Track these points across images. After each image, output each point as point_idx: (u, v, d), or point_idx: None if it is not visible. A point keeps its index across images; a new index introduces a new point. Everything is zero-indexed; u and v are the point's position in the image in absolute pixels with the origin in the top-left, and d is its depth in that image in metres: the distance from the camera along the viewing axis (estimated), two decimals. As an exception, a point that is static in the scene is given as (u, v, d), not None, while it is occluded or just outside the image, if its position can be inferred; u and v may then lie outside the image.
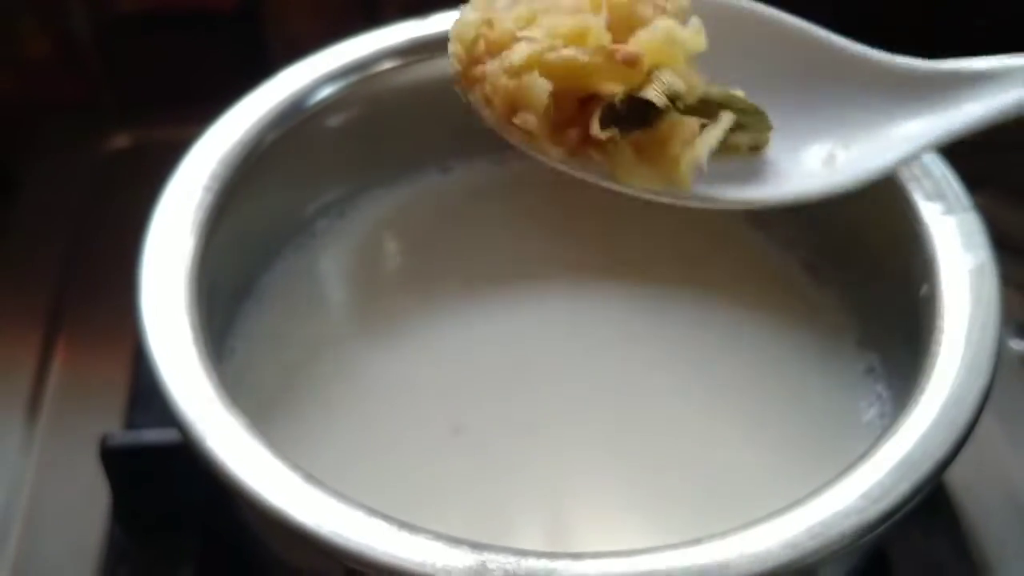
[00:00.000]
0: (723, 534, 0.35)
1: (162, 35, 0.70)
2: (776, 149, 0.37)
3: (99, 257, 0.62)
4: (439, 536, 0.35)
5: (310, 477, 0.36)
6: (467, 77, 0.35)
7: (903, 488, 0.36)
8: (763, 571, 0.34)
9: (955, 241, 0.43)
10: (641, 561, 0.34)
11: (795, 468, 0.45)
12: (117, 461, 0.48)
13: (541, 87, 0.33)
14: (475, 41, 0.34)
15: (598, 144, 0.35)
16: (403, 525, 0.35)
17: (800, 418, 0.47)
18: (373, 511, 0.35)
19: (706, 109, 0.35)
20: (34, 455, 0.53)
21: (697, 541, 0.34)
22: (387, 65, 0.50)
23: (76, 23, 0.69)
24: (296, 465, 0.36)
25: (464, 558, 0.34)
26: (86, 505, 0.51)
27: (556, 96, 0.33)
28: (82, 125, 0.69)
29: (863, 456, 0.37)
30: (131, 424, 0.54)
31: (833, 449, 0.45)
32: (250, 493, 0.36)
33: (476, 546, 0.34)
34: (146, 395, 0.55)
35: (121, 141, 0.69)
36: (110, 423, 0.53)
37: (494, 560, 0.34)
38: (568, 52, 0.33)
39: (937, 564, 0.50)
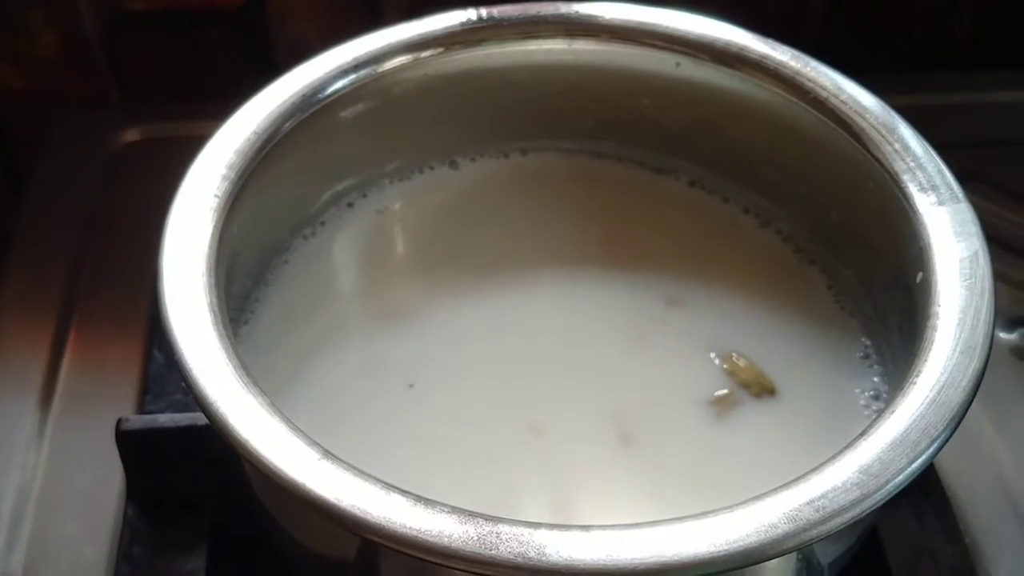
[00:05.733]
0: (730, 507, 0.35)
1: (169, 32, 0.71)
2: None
3: (109, 248, 0.63)
4: (454, 509, 0.35)
5: (328, 453, 0.37)
6: None
7: (901, 464, 0.37)
8: (768, 542, 0.35)
9: (949, 230, 0.44)
10: (650, 533, 0.35)
11: (793, 450, 0.46)
12: (132, 444, 0.49)
13: None
14: None
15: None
16: (419, 499, 0.36)
17: (797, 403, 0.48)
18: (390, 486, 0.36)
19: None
20: (48, 441, 0.54)
21: (704, 514, 0.35)
22: (399, 61, 0.51)
23: (85, 20, 0.70)
24: (314, 442, 0.37)
25: (478, 530, 0.35)
26: (100, 489, 0.52)
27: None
28: (90, 121, 0.70)
29: (863, 434, 0.38)
30: (144, 410, 0.55)
31: (829, 432, 0.46)
32: (271, 469, 0.36)
33: (489, 519, 0.35)
34: (158, 383, 0.56)
35: (129, 136, 0.69)
36: (122, 410, 0.54)
37: (507, 532, 0.35)
38: None
39: (929, 549, 0.50)
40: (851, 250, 0.50)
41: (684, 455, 0.46)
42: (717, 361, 0.49)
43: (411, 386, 0.48)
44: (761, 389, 0.48)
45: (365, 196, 0.54)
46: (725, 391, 0.48)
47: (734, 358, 0.49)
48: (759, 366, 0.49)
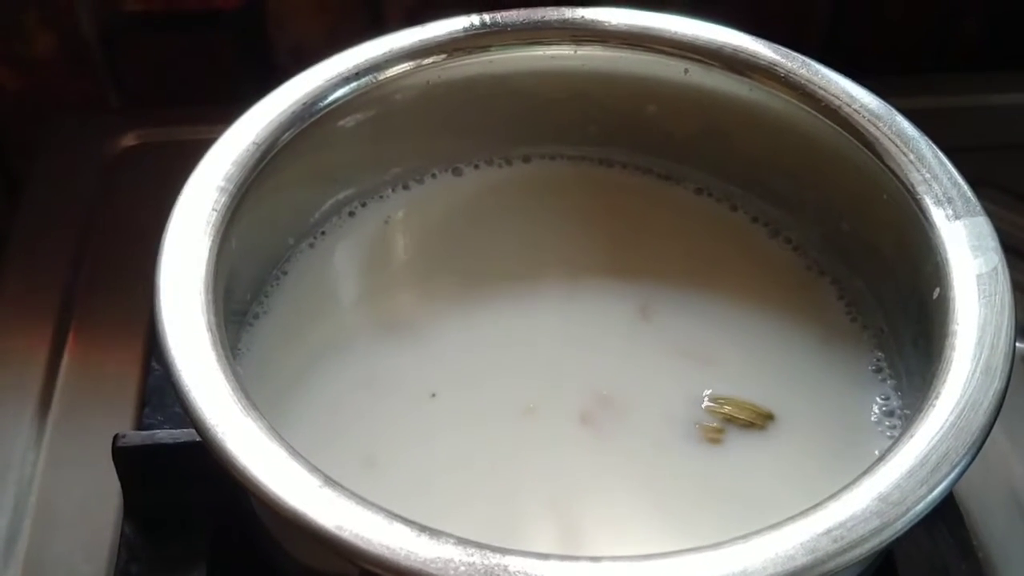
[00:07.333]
0: (744, 537, 0.35)
1: (167, 34, 0.70)
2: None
3: (107, 256, 0.62)
4: (460, 540, 0.35)
5: (329, 480, 0.36)
6: None
7: (922, 492, 0.36)
8: (784, 575, 0.34)
9: (966, 245, 0.43)
10: (661, 565, 0.34)
11: (805, 467, 0.45)
12: (129, 460, 0.48)
13: None
14: None
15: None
16: (423, 529, 0.35)
17: (808, 417, 0.47)
18: (393, 515, 0.35)
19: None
20: (45, 454, 0.53)
21: (718, 545, 0.34)
22: (401, 68, 0.50)
23: (82, 22, 0.69)
24: (315, 468, 0.36)
25: (485, 561, 0.34)
26: (97, 504, 0.51)
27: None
28: (88, 124, 0.69)
29: (881, 458, 0.37)
30: (142, 423, 0.54)
31: (842, 448, 0.46)
32: (270, 497, 0.36)
33: (496, 550, 0.34)
34: (157, 394, 0.55)
35: (127, 140, 0.68)
36: (121, 423, 0.53)
37: (516, 564, 0.34)
38: None
39: (942, 564, 0.49)
40: (863, 261, 0.50)
41: (694, 480, 0.46)
42: (707, 404, 0.48)
43: (434, 395, 0.48)
44: (765, 420, 0.47)
45: (366, 205, 0.53)
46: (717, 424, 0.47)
47: (718, 405, 0.48)
48: (750, 399, 0.48)
